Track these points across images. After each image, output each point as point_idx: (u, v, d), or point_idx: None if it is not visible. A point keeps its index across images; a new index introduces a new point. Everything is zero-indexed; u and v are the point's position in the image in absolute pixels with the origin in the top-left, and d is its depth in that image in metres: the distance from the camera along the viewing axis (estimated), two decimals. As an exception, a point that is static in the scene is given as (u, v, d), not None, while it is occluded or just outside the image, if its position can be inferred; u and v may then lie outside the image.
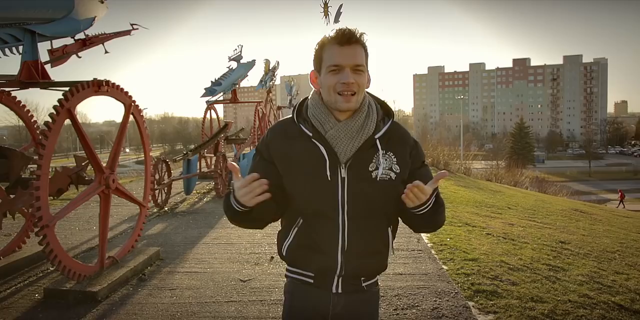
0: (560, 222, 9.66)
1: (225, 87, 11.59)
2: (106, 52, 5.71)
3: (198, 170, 10.36)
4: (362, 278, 1.86)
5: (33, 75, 4.43)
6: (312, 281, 1.85)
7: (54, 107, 3.97)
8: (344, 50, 1.71)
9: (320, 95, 1.81)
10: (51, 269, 5.05)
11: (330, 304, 1.84)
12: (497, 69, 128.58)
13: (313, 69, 1.82)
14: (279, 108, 19.23)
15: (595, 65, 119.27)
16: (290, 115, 1.87)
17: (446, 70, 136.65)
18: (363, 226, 1.79)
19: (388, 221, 1.86)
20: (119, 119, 4.10)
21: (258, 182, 1.61)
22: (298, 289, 1.89)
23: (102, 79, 4.57)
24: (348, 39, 1.70)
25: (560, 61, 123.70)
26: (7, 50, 4.27)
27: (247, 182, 1.61)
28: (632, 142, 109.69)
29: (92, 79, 4.46)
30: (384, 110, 1.88)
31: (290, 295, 1.93)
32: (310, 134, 1.77)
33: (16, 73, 4.57)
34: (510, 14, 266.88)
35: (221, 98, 12.34)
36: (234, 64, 12.54)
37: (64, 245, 4.89)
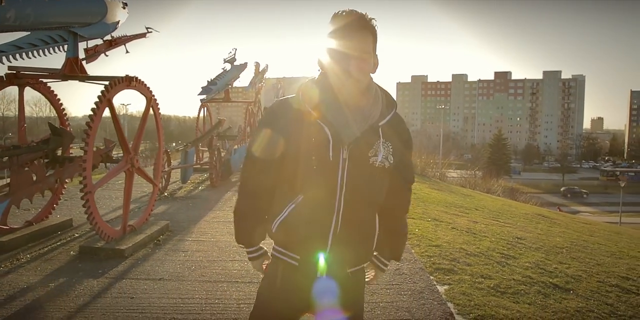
0: (521, 223, 10.17)
1: (220, 87, 12.40)
2: (127, 51, 6.55)
3: (195, 162, 11.15)
4: (348, 264, 1.89)
5: (74, 70, 5.28)
6: (297, 264, 1.85)
7: (98, 96, 4.83)
8: (346, 39, 1.71)
9: (327, 77, 1.82)
10: (77, 235, 5.87)
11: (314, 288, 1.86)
12: (479, 80, 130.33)
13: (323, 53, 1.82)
14: (266, 109, 20.02)
15: (573, 81, 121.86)
16: (292, 96, 1.88)
17: (429, 80, 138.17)
18: (355, 212, 1.82)
19: (375, 209, 1.92)
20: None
21: None
22: (282, 272, 1.90)
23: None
24: (351, 28, 1.72)
25: (540, 76, 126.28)
26: (55, 48, 5.11)
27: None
28: (605, 158, 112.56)
29: (124, 75, 5.31)
30: (387, 100, 1.90)
31: (272, 278, 1.93)
32: (317, 115, 1.78)
33: (49, 68, 5.49)
34: (495, 28, 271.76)
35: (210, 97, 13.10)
36: (227, 66, 13.39)
37: (81, 219, 5.69)
